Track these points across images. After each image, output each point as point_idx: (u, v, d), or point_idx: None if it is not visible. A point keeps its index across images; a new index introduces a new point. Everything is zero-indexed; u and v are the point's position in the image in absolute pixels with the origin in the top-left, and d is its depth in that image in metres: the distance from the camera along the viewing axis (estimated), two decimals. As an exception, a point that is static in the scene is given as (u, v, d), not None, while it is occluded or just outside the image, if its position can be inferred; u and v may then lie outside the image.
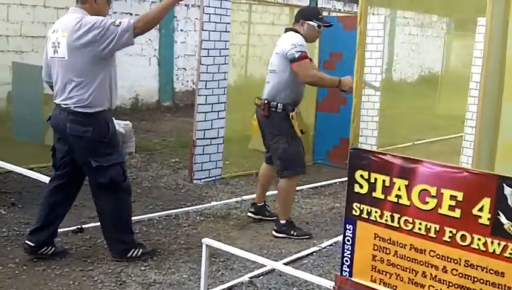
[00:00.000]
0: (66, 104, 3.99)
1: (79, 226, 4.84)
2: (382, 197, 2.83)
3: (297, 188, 6.34)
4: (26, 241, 4.19)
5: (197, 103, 6.41)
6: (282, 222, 4.95)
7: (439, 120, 12.32)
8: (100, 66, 3.98)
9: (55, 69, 4.07)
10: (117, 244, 4.25)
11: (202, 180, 6.50)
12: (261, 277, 4.06)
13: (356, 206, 2.95)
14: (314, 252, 4.58)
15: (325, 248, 4.67)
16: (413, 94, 14.65)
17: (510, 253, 2.46)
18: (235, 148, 7.42)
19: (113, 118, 7.59)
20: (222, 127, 6.66)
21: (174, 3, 4.00)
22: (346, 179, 6.69)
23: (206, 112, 6.47)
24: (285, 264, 4.19)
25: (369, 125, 7.29)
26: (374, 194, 2.86)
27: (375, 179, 2.84)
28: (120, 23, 3.86)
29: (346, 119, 7.34)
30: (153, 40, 11.95)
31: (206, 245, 3.52)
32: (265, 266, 4.06)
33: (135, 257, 4.25)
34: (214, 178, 6.60)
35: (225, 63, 6.57)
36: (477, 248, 2.56)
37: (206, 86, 6.42)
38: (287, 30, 5.14)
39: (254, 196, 5.98)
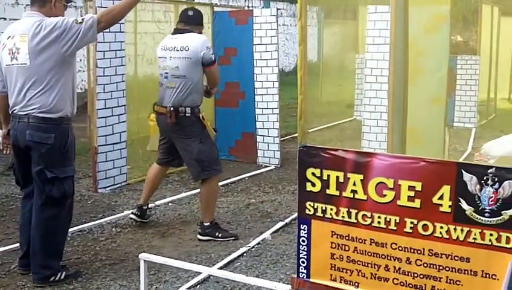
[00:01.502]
0: (26, 111, 3.77)
1: (-14, 253, 4.40)
2: (337, 193, 2.77)
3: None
4: (20, 269, 4.06)
5: (96, 108, 6.07)
6: (207, 224, 4.80)
7: (323, 107, 12.63)
8: (63, 69, 3.80)
9: (11, 78, 3.83)
10: (42, 269, 3.90)
11: (108, 189, 6.18)
12: (198, 286, 3.89)
13: (309, 205, 2.87)
14: (244, 253, 4.47)
15: (253, 247, 4.58)
16: (294, 84, 14.88)
17: (474, 238, 2.48)
18: (134, 151, 7.11)
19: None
20: (124, 131, 6.37)
21: (138, 1, 3.92)
22: (253, 173, 6.69)
23: (106, 117, 6.15)
24: (220, 269, 4.05)
25: (270, 117, 7.27)
26: (327, 191, 2.79)
27: (328, 175, 2.77)
28: (83, 20, 3.75)
29: (246, 114, 7.41)
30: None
31: (145, 261, 3.30)
32: (200, 273, 3.90)
33: (58, 281, 3.92)
34: (119, 185, 6.30)
35: (122, 64, 6.28)
36: (440, 236, 2.57)
37: (104, 89, 6.09)
38: (180, 31, 4.88)
39: (166, 200, 5.81)
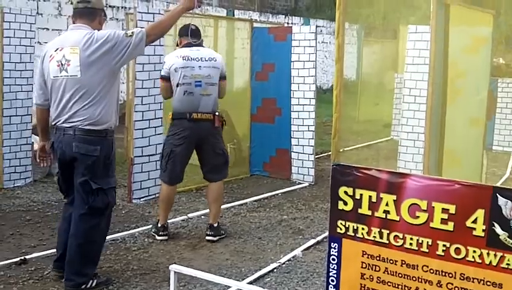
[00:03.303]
0: (72, 123, 3.83)
1: (22, 257, 4.49)
2: (369, 213, 2.75)
3: (241, 202, 6.27)
4: (54, 270, 4.14)
5: (133, 120, 6.16)
6: (216, 225, 5.11)
7: (361, 126, 12.55)
8: (111, 81, 3.91)
9: (57, 89, 3.88)
10: (76, 277, 3.94)
11: (142, 200, 6.25)
12: (227, 300, 3.89)
13: (341, 223, 2.86)
14: (274, 269, 4.46)
15: (284, 263, 4.56)
16: (331, 101, 14.83)
17: (507, 264, 2.43)
18: None
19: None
20: (160, 143, 6.38)
21: (183, 12, 4.05)
22: (287, 189, 6.67)
23: (143, 129, 6.23)
24: (249, 283, 4.04)
25: (305, 134, 7.26)
26: (359, 211, 2.78)
27: (361, 195, 2.76)
28: (132, 33, 3.86)
29: (281, 130, 7.42)
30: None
31: (175, 272, 3.32)
32: (229, 287, 3.90)
33: (89, 289, 3.97)
34: (153, 196, 6.35)
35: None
36: (472, 260, 2.53)
37: (142, 101, 6.18)
38: (196, 44, 5.12)
39: (199, 213, 5.84)
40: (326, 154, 9.09)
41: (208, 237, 5.05)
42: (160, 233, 5.06)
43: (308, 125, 7.22)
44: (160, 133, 6.40)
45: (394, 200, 2.67)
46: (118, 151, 8.68)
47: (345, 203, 2.82)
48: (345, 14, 2.72)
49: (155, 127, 6.35)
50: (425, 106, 6.69)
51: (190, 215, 5.74)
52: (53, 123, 3.96)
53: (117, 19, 12.40)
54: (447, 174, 5.30)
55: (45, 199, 6.26)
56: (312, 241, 5.06)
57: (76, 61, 3.80)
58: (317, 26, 7.50)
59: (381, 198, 2.70)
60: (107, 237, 4.89)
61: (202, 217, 5.77)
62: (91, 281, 3.98)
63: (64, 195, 4.20)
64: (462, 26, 5.40)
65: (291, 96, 7.29)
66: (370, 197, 2.73)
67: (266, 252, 4.84)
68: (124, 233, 5.17)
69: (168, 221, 5.42)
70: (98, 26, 3.99)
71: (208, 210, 5.78)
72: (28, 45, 6.71)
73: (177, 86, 4.99)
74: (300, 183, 7.23)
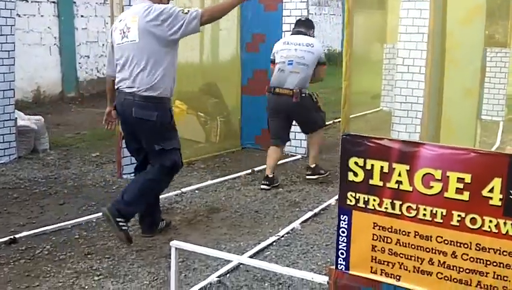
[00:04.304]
0: (131, 88, 4.13)
1: (11, 237, 4.36)
2: (380, 184, 2.66)
3: (234, 175, 6.17)
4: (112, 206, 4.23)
5: (122, 93, 5.98)
6: (313, 166, 6.12)
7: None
8: (167, 51, 4.15)
9: (121, 55, 4.19)
10: (154, 220, 4.52)
11: (132, 175, 6.08)
12: (228, 275, 3.81)
13: (351, 195, 2.77)
14: (273, 242, 4.38)
15: (283, 236, 4.49)
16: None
17: (526, 233, 2.37)
18: None
19: (23, 114, 7.04)
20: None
21: (240, 1, 4.30)
22: (280, 162, 6.55)
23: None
24: (249, 257, 3.96)
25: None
26: (371, 182, 2.68)
27: (372, 165, 2.66)
28: (188, 11, 4.09)
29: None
30: (52, 27, 11.22)
31: (176, 248, 3.22)
32: (229, 262, 3.81)
33: (161, 229, 4.55)
34: (144, 171, 6.22)
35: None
36: (488, 230, 2.45)
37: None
38: (300, 32, 6.11)
39: (193, 187, 5.74)
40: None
41: (307, 177, 6.11)
42: (263, 182, 5.84)
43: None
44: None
45: (407, 170, 2.58)
46: (104, 126, 8.65)
47: (355, 175, 2.72)
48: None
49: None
50: (418, 75, 6.64)
51: (184, 189, 5.63)
52: (116, 86, 4.27)
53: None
54: (443, 142, 5.26)
55: (31, 176, 6.11)
56: (309, 214, 4.99)
57: (135, 28, 4.10)
58: (307, -4, 7.32)
59: (394, 168, 2.61)
60: (100, 214, 4.84)
61: (196, 191, 5.68)
62: (161, 223, 4.61)
63: (132, 155, 4.72)
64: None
65: (282, 68, 7.15)
66: (382, 167, 2.63)
67: (264, 225, 4.76)
68: (117, 209, 5.04)
69: (162, 195, 5.31)
70: (157, 1, 4.22)
71: (200, 185, 5.76)
72: (8, 16, 6.49)
73: (276, 64, 6.00)
74: (293, 156, 7.15)
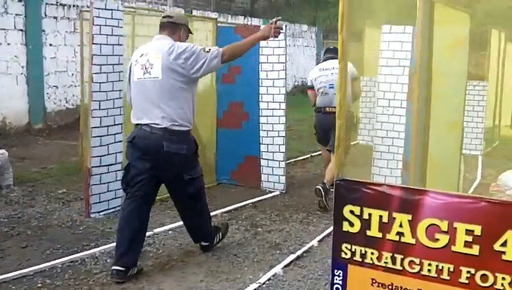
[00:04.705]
0: (158, 124, 4.23)
1: None
2: (379, 235, 2.39)
3: (211, 213, 5.83)
4: (115, 268, 4.18)
5: (90, 126, 5.66)
6: (327, 185, 6.27)
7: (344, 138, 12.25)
8: (189, 88, 4.34)
9: (141, 90, 4.32)
10: (207, 238, 4.80)
11: (101, 214, 5.75)
12: (205, 330, 3.47)
13: (346, 247, 2.49)
14: (253, 290, 4.06)
15: (264, 283, 4.17)
16: (294, 105, 14.55)
17: (545, 293, 2.11)
18: None
19: None
20: (120, 152, 5.95)
21: (260, 40, 4.57)
22: (258, 199, 6.27)
23: (102, 136, 5.74)
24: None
25: (275, 140, 6.89)
26: (368, 233, 2.41)
27: (370, 214, 2.40)
28: (209, 50, 4.30)
29: (249, 136, 7.01)
30: (20, 56, 10.83)
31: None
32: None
33: (215, 244, 4.88)
34: (114, 210, 5.86)
35: (119, 80, 5.87)
36: (501, 288, 2.19)
37: (99, 106, 5.69)
38: (330, 58, 6.86)
39: (166, 227, 5.40)
40: (293, 160, 8.75)
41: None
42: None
43: (279, 131, 6.85)
44: (120, 141, 5.92)
45: (409, 221, 2.31)
46: (72, 159, 8.27)
47: (351, 224, 2.45)
48: (349, 4, 2.35)
49: (114, 134, 5.86)
50: (400, 109, 6.44)
51: (156, 230, 5.28)
52: (136, 122, 4.36)
53: (68, 18, 11.80)
54: (431, 181, 5.01)
55: None
56: (292, 257, 4.68)
57: (158, 65, 4.24)
58: (285, 26, 7.10)
59: (394, 218, 2.34)
60: (65, 258, 4.55)
61: (169, 232, 5.32)
62: (216, 238, 4.89)
63: (125, 188, 4.45)
64: (443, 26, 5.11)
65: (260, 100, 6.91)
66: (381, 217, 2.37)
67: (243, 270, 4.43)
68: (84, 253, 4.68)
69: (132, 237, 4.99)
70: (178, 39, 4.46)
71: (174, 224, 5.43)
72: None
73: (317, 90, 6.70)
74: (271, 192, 6.84)
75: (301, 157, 9.02)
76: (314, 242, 5.06)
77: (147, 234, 5.11)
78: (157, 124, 4.23)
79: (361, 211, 2.40)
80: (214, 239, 4.85)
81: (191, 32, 4.71)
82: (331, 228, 5.42)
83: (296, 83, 19.76)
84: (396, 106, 6.34)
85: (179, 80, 4.25)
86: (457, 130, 5.94)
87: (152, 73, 4.26)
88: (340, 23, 2.35)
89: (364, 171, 8.24)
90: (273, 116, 6.87)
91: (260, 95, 6.91)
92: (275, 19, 4.46)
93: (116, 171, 5.90)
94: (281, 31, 4.54)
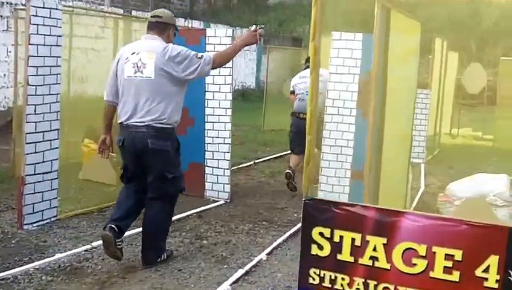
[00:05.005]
0: (144, 121, 4.35)
1: None
2: (351, 260, 2.19)
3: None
4: (111, 225, 4.39)
5: (25, 132, 5.26)
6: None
7: (267, 135, 12.12)
8: (179, 88, 4.50)
9: (129, 88, 4.40)
10: (154, 251, 4.56)
11: (35, 225, 5.36)
12: None
13: (314, 272, 2.28)
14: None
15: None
16: (235, 109, 14.36)
17: (531, 324, 1.96)
18: (63, 179, 6.18)
19: None
20: (56, 159, 5.58)
21: (244, 46, 4.76)
22: (201, 209, 6.02)
23: (36, 142, 5.35)
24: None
25: (220, 147, 6.65)
26: (339, 257, 2.21)
27: (341, 237, 2.20)
28: (202, 56, 4.48)
29: (194, 142, 6.73)
30: None
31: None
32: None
33: (163, 261, 4.59)
34: (48, 221, 5.49)
35: (57, 83, 5.51)
36: (484, 318, 2.03)
37: (35, 110, 5.30)
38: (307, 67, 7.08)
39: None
40: (237, 167, 8.52)
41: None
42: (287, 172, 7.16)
43: (224, 138, 6.61)
44: (56, 147, 5.56)
45: (384, 244, 2.13)
46: (3, 165, 7.78)
47: (320, 248, 2.24)
48: (322, 12, 2.14)
49: (50, 141, 5.49)
50: (349, 117, 6.32)
51: (94, 244, 4.93)
52: (123, 120, 4.43)
53: (1, 16, 11.22)
54: (381, 192, 4.89)
55: None
56: (240, 272, 4.44)
57: (151, 65, 4.34)
58: (233, 30, 6.88)
59: (368, 241, 2.16)
60: None
61: (109, 245, 4.99)
62: (163, 254, 4.62)
63: (126, 183, 4.68)
64: (396, 34, 5.01)
65: (206, 105, 6.65)
66: (353, 240, 2.18)
67: (189, 287, 4.17)
68: (16, 270, 4.30)
69: (69, 252, 4.67)
70: (167, 39, 4.58)
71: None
72: None
73: (296, 95, 7.38)
74: (215, 201, 6.58)
75: (245, 164, 8.80)
76: (263, 255, 4.84)
77: (84, 248, 4.83)
78: (143, 122, 4.34)
79: (332, 233, 2.20)
80: (161, 255, 4.62)
81: (177, 30, 4.81)
82: (280, 240, 5.29)
83: (236, 87, 19.56)
84: (346, 114, 6.22)
85: (171, 80, 4.38)
86: (408, 140, 5.87)
87: (144, 72, 4.35)
88: (313, 30, 2.15)
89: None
90: (219, 122, 6.63)
91: (206, 101, 6.66)
92: (256, 27, 4.65)
93: (51, 179, 5.53)
94: (261, 37, 4.70)
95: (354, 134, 6.21)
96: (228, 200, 6.62)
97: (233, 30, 6.70)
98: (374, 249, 2.14)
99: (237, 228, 5.67)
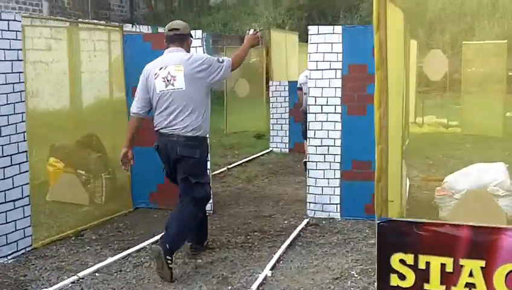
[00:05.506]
0: (175, 129, 4.62)
1: None
2: (442, 289, 1.88)
3: (139, 246, 5.16)
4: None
5: (-9, 157, 4.75)
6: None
7: (232, 138, 11.74)
8: (206, 96, 4.73)
9: (164, 101, 4.65)
10: (169, 246, 4.45)
11: (10, 258, 4.86)
12: None
13: (396, 307, 1.94)
14: None
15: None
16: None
17: None
18: (32, 204, 5.61)
19: None
20: (26, 184, 5.09)
21: (250, 47, 5.07)
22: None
23: (4, 167, 4.85)
24: None
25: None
26: (426, 287, 1.89)
27: (427, 263, 1.88)
28: (223, 60, 4.77)
29: (169, 153, 6.30)
30: None
31: None
32: None
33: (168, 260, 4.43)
34: (24, 251, 5.00)
35: (21, 101, 5.02)
36: None
37: (0, 133, 4.80)
38: None
39: (91, 269, 4.63)
40: (217, 172, 8.14)
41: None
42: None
43: (203, 146, 6.21)
44: (26, 171, 5.07)
45: (482, 268, 1.82)
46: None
47: (402, 277, 1.91)
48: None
49: (19, 164, 4.99)
50: (334, 115, 6.01)
51: (81, 274, 4.48)
52: (158, 129, 4.74)
53: None
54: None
55: None
56: (248, 294, 4.09)
57: (181, 77, 4.60)
58: (203, 32, 6.47)
59: (462, 266, 1.84)
60: None
61: (97, 274, 4.54)
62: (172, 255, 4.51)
63: (171, 181, 4.93)
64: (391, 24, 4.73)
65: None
66: (443, 265, 1.85)
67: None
68: (0, 314, 3.84)
69: (55, 286, 4.21)
70: (188, 49, 4.87)
71: (100, 264, 4.67)
72: None
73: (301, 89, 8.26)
74: (200, 213, 6.18)
75: (218, 171, 8.39)
76: (267, 272, 4.49)
77: (71, 280, 4.38)
78: (175, 131, 4.59)
79: (416, 260, 1.87)
80: (172, 254, 4.53)
81: (191, 37, 5.00)
82: (279, 252, 4.94)
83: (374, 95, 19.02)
84: (330, 111, 5.93)
85: (200, 88, 4.63)
86: (398, 132, 5.62)
87: (176, 84, 4.59)
88: (376, 21, 1.81)
89: (287, 180, 7.82)
90: (195, 130, 6.22)
91: (179, 108, 6.24)
92: (256, 30, 5.12)
93: (23, 206, 5.04)
94: (262, 38, 5.28)
95: (340, 132, 5.92)
96: (211, 212, 6.22)
97: (202, 32, 6.28)
98: (470, 275, 1.83)
99: (229, 241, 5.30)
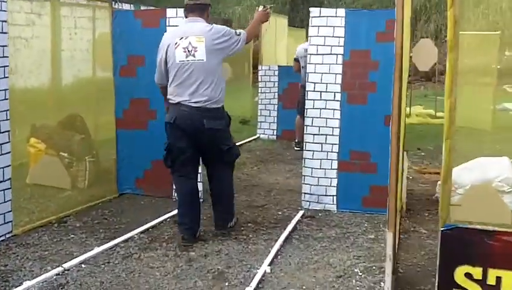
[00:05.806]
0: (198, 102, 4.61)
1: None
2: (515, 308, 1.62)
3: (126, 236, 4.86)
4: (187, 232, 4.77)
5: (-30, 137, 4.41)
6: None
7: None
8: (221, 68, 4.78)
9: (183, 71, 4.64)
10: (227, 215, 4.97)
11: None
12: None
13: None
14: None
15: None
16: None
17: None
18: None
19: None
20: (8, 166, 4.76)
21: (261, 23, 5.34)
22: (175, 212, 5.26)
23: (-16, 148, 4.52)
24: None
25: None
26: (496, 305, 1.64)
27: (498, 278, 1.62)
28: (239, 33, 4.85)
29: (157, 137, 5.87)
30: None
31: None
32: None
33: (233, 226, 4.98)
34: (4, 238, 4.68)
35: (5, 76, 4.69)
36: None
37: (-19, 111, 4.46)
38: None
39: (78, 260, 4.31)
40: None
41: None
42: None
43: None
44: (8, 152, 4.73)
45: None
46: None
47: (467, 294, 1.65)
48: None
49: (1, 145, 4.66)
50: (333, 102, 5.74)
51: (66, 265, 4.17)
52: (178, 101, 4.65)
53: None
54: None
55: None
56: (247, 290, 3.82)
57: (202, 48, 4.61)
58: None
59: (539, 282, 1.58)
60: None
61: (83, 266, 4.24)
62: (234, 219, 5.05)
63: (170, 166, 4.80)
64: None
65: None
66: (517, 281, 1.60)
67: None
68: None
69: (39, 278, 3.90)
70: (207, 19, 4.83)
71: (85, 255, 4.37)
72: None
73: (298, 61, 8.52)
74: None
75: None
76: (266, 267, 4.22)
77: (55, 271, 4.06)
78: (198, 103, 4.59)
79: (485, 274, 1.62)
80: (233, 219, 5.05)
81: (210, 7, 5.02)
82: (277, 246, 4.67)
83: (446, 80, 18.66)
84: (329, 98, 5.66)
85: (219, 60, 4.69)
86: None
87: (197, 56, 4.60)
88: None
89: (284, 170, 7.55)
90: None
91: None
92: (264, 7, 5.24)
93: (3, 190, 4.72)
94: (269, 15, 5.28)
95: (339, 121, 5.66)
96: (201, 200, 5.92)
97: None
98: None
99: (222, 233, 5.01)
